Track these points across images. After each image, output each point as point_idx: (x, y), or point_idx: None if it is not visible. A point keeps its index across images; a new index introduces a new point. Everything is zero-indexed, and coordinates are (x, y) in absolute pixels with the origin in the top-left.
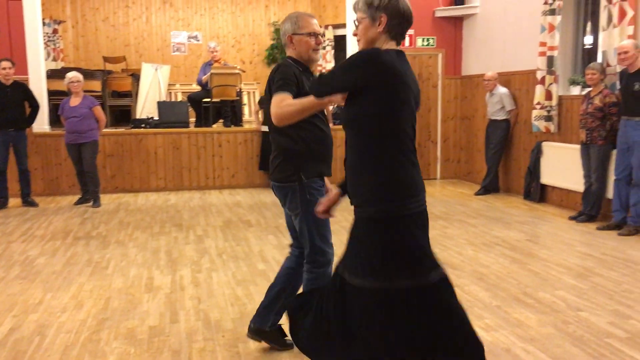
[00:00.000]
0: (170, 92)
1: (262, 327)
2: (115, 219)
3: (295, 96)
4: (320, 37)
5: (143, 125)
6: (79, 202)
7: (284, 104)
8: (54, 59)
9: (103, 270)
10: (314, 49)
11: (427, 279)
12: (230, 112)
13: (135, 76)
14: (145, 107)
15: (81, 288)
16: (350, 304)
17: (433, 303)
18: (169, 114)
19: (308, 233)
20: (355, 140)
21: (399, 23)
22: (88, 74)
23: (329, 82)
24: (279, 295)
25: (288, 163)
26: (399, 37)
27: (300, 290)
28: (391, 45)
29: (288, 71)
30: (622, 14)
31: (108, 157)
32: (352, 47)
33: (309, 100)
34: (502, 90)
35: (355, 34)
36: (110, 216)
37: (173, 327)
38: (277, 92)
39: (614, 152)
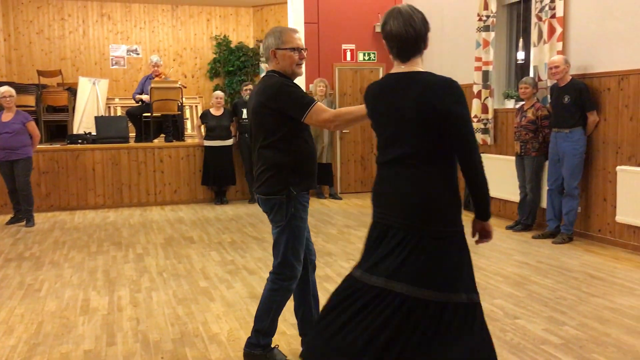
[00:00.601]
0: (109, 107)
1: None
2: (50, 239)
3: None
4: (303, 51)
5: (80, 140)
6: (11, 222)
7: (343, 111)
8: None
9: (36, 292)
10: (297, 64)
11: None
12: (172, 126)
13: (72, 90)
14: (83, 122)
15: (12, 312)
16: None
17: None
18: (108, 129)
19: (283, 246)
20: None
21: (390, 45)
22: (21, 89)
23: None
24: (307, 315)
25: (278, 177)
26: (401, 57)
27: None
28: (398, 65)
29: (294, 86)
30: (552, 30)
31: (43, 174)
32: None
33: (361, 109)
34: None
35: None
36: (45, 236)
37: (110, 350)
38: (311, 105)
39: (547, 163)
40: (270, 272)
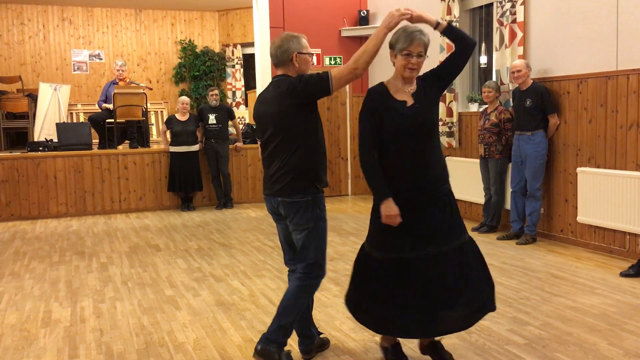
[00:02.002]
0: (71, 113)
1: (310, 347)
2: (10, 249)
3: (309, 108)
4: (312, 57)
5: (41, 148)
6: None
7: (358, 54)
8: None
9: None
10: (310, 68)
11: None
12: (137, 132)
13: (32, 96)
14: (44, 129)
15: None
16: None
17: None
18: (70, 136)
19: (314, 247)
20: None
21: None
22: None
23: None
24: (306, 315)
25: (304, 178)
26: None
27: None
28: None
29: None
30: (513, 35)
31: (2, 182)
32: (261, 66)
33: (372, 40)
34: None
35: (417, 64)
36: (5, 246)
37: None
38: (328, 75)
39: (511, 165)
40: (299, 272)
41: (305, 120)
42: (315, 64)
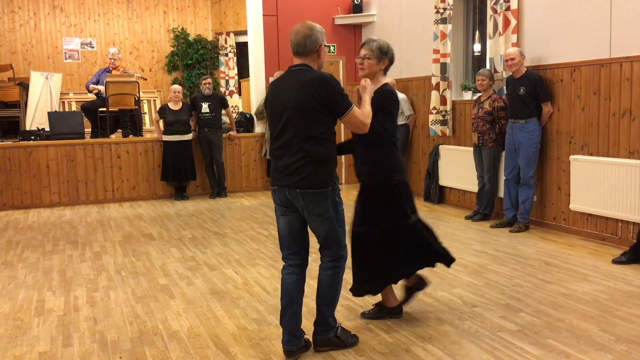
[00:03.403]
0: (63, 102)
1: (295, 348)
2: (3, 239)
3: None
4: None
5: (33, 137)
6: None
7: (367, 114)
8: None
9: None
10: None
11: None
12: (129, 121)
13: (24, 85)
14: (36, 117)
15: None
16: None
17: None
18: (62, 125)
19: (339, 232)
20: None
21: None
22: None
23: None
24: (299, 309)
25: (323, 169)
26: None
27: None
28: (385, 78)
29: (339, 83)
30: (507, 23)
31: None
32: (255, 54)
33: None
34: (400, 96)
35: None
36: None
37: (66, 351)
38: (351, 107)
39: (504, 153)
40: (328, 261)
41: (327, 113)
42: None
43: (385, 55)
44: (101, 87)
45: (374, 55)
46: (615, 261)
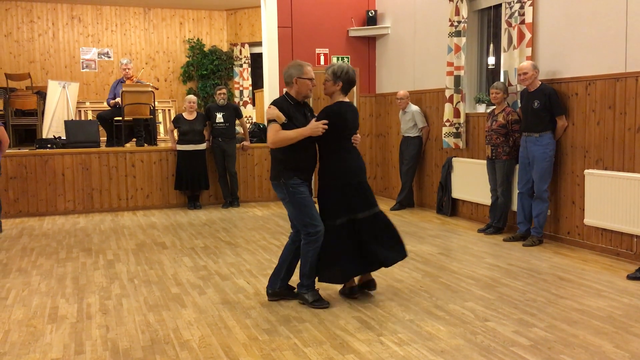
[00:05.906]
0: (79, 111)
1: (274, 289)
2: (18, 245)
3: (286, 124)
4: (313, 81)
5: (49, 145)
6: None
7: (280, 134)
8: None
9: (2, 301)
10: (310, 89)
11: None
12: (144, 131)
13: (41, 94)
14: (52, 126)
15: None
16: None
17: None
18: (78, 134)
19: (298, 214)
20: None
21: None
22: None
23: None
24: (282, 265)
25: (274, 168)
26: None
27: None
28: (343, 97)
29: (280, 103)
30: (521, 36)
31: (11, 179)
32: (269, 65)
33: (296, 135)
34: (413, 108)
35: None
36: (12, 242)
37: (78, 358)
38: (270, 125)
39: (518, 166)
40: (302, 236)
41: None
42: (324, 63)
43: (339, 78)
44: (119, 100)
45: (330, 78)
46: (630, 277)
